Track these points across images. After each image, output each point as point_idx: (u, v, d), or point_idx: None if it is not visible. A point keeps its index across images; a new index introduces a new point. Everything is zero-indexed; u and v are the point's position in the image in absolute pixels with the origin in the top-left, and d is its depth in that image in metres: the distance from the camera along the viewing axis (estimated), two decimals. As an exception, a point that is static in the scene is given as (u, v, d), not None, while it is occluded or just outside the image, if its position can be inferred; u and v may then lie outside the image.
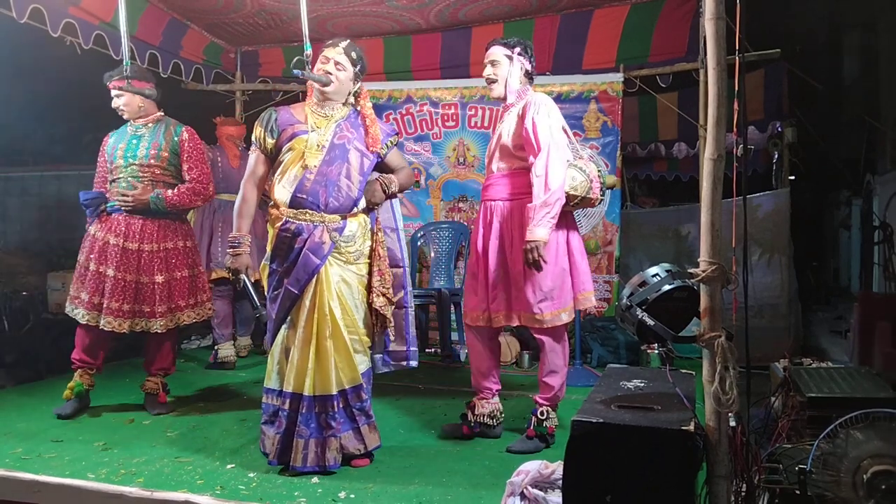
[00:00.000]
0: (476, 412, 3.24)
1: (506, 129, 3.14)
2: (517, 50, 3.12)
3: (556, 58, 5.44)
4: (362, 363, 2.93)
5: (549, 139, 2.96)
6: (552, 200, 2.91)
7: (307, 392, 2.81)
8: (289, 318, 2.90)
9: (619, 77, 5.26)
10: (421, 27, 5.45)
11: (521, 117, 3.07)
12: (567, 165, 3.03)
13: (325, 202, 2.86)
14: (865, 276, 6.32)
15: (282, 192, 2.90)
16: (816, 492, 2.10)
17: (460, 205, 5.57)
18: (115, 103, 3.68)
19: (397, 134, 3.21)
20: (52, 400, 3.79)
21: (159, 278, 3.63)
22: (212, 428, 3.47)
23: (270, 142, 2.97)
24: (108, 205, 3.65)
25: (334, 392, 2.83)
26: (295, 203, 2.88)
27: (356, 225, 2.94)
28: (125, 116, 3.71)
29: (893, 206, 5.37)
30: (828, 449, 2.13)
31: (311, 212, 2.86)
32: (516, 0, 5.00)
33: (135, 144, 3.66)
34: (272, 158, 3.00)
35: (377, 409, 3.11)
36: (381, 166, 3.09)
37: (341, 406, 2.87)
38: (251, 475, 2.80)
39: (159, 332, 3.62)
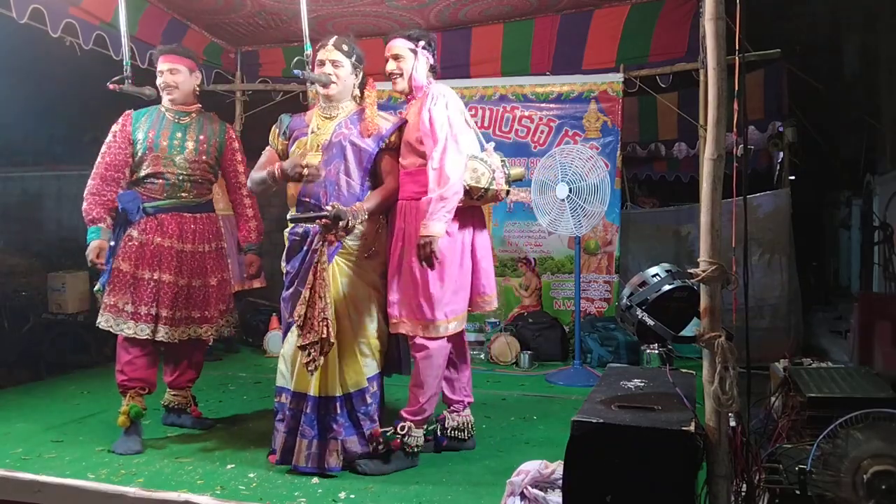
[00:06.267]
0: (446, 425, 3.11)
1: (407, 125, 3.00)
2: (421, 43, 3.00)
3: (556, 58, 5.45)
4: (369, 367, 2.91)
5: (446, 130, 2.81)
6: (448, 194, 2.75)
7: (312, 392, 2.81)
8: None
9: (619, 77, 5.26)
10: (421, 27, 5.44)
11: (420, 110, 2.93)
12: (468, 157, 2.88)
13: (327, 202, 2.86)
14: (865, 276, 6.31)
15: (290, 196, 2.97)
16: (816, 492, 2.10)
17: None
18: (167, 80, 3.32)
19: (402, 127, 2.99)
20: (52, 400, 3.79)
21: (213, 280, 3.40)
22: (212, 428, 3.46)
23: (283, 142, 3.05)
24: (149, 205, 3.29)
25: (338, 394, 2.82)
26: (300, 206, 2.91)
27: (364, 222, 2.88)
28: (171, 97, 3.35)
29: (893, 206, 5.36)
30: (828, 449, 2.12)
31: (316, 212, 2.85)
32: (516, 0, 5.00)
33: (181, 135, 3.33)
34: (282, 158, 3.05)
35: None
36: (376, 166, 2.97)
37: (345, 409, 2.85)
38: (251, 475, 2.80)
39: (212, 337, 3.43)
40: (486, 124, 5.51)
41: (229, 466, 2.91)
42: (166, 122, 3.34)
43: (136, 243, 3.25)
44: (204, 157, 3.38)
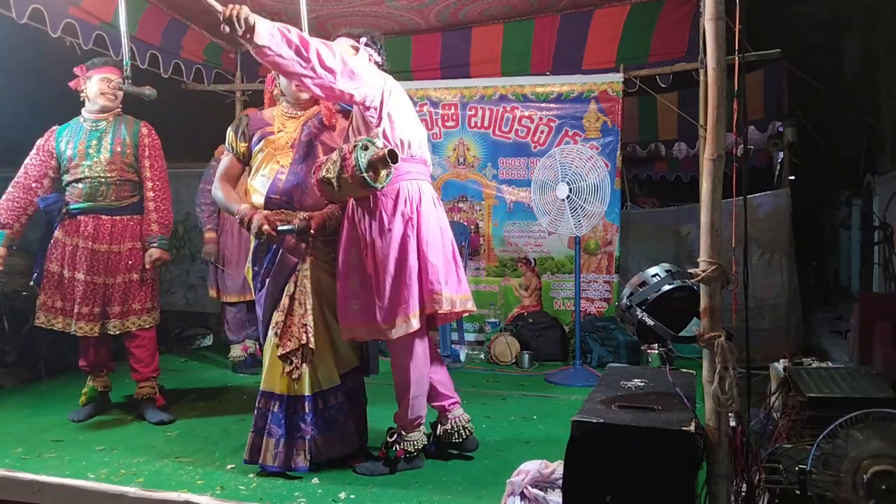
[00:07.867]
0: (437, 432, 3.04)
1: None
2: (363, 40, 2.94)
3: (556, 58, 5.45)
4: (343, 364, 2.91)
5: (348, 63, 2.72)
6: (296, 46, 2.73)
7: (279, 391, 2.81)
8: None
9: (619, 77, 5.26)
10: (421, 27, 5.45)
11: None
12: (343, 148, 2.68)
13: (300, 201, 2.84)
14: (865, 276, 6.32)
15: (256, 195, 2.91)
16: (816, 492, 2.10)
17: (460, 205, 5.57)
18: (100, 88, 3.52)
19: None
20: (52, 400, 3.80)
21: (134, 276, 3.56)
22: (212, 428, 3.47)
23: (243, 145, 3.00)
24: (71, 206, 3.52)
25: (307, 393, 2.81)
26: (270, 205, 2.86)
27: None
28: (105, 103, 3.55)
29: (893, 206, 5.36)
30: (828, 449, 2.12)
31: (286, 212, 2.84)
32: (516, 0, 5.00)
33: (97, 141, 3.52)
34: (244, 162, 3.02)
35: (376, 410, 3.10)
36: None
37: (319, 407, 2.85)
38: (251, 475, 2.80)
39: (144, 328, 3.56)
40: (486, 124, 5.51)
41: (229, 466, 2.91)
42: (84, 132, 3.56)
43: (61, 244, 3.53)
44: (121, 159, 3.53)
